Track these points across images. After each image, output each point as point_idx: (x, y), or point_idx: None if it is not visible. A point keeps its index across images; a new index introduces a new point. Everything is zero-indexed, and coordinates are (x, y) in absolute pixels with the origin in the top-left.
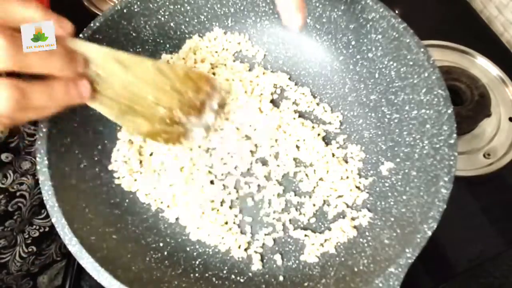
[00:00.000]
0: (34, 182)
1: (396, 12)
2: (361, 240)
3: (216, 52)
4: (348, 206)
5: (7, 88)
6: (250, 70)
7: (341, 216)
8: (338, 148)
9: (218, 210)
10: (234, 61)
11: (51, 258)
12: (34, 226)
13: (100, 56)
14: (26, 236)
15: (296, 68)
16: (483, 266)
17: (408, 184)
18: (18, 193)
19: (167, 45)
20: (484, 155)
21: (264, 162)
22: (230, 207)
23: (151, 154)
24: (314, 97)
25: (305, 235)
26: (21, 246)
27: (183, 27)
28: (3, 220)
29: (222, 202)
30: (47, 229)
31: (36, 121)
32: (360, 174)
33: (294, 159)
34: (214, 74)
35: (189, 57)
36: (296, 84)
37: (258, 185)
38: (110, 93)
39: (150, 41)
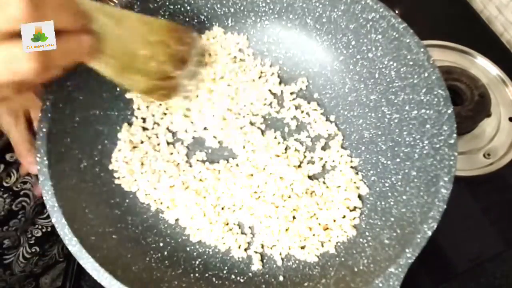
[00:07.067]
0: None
1: (396, 12)
2: (361, 240)
3: (216, 51)
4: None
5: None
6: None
7: (341, 216)
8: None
9: (219, 212)
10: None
11: (54, 259)
12: (37, 226)
13: (93, 12)
14: (29, 236)
15: (296, 68)
16: (483, 266)
17: (408, 184)
18: (21, 192)
19: None
20: (484, 155)
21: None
22: (230, 208)
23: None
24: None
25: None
26: (25, 246)
27: None
28: (8, 219)
29: (222, 203)
30: (49, 229)
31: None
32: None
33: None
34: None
35: None
36: (296, 84)
37: (258, 185)
38: (107, 50)
39: None
